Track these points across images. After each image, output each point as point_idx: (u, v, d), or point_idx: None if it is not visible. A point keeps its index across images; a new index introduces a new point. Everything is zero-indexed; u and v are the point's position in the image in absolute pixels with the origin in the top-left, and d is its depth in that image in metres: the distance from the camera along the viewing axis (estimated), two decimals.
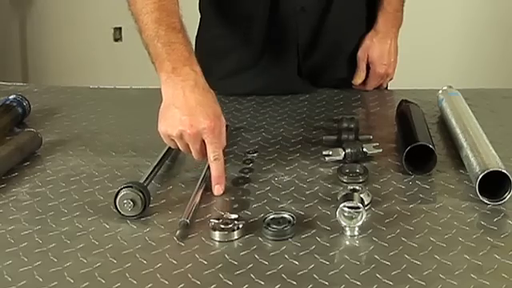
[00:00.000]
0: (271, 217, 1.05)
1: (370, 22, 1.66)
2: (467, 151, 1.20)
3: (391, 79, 1.71)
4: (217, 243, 1.01)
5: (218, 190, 1.16)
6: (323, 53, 1.63)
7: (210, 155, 1.17)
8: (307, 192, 1.16)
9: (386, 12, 1.64)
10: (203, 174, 1.19)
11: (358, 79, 1.67)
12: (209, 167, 1.19)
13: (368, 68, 1.67)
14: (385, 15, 1.64)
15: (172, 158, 1.29)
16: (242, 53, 1.62)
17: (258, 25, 1.59)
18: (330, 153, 1.26)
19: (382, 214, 1.08)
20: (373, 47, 1.65)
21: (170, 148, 1.29)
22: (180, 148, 1.21)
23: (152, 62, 1.26)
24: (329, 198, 1.13)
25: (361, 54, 1.66)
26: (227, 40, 1.60)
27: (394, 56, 1.67)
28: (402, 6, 1.65)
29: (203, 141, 1.18)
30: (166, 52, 1.22)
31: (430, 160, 1.21)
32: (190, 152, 1.20)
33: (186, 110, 1.17)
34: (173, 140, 1.20)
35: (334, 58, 1.66)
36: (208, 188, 1.17)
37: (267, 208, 1.11)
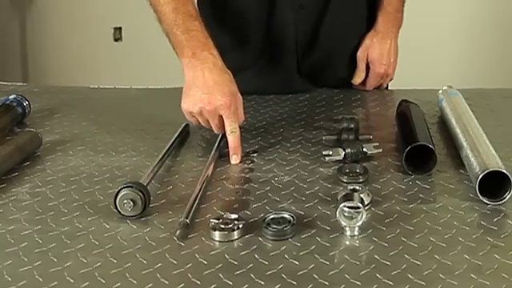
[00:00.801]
0: (271, 217, 1.05)
1: (370, 22, 1.66)
2: (467, 151, 1.20)
3: (391, 79, 1.71)
4: (217, 243, 1.01)
5: (235, 159, 1.28)
6: (322, 51, 1.63)
7: (228, 129, 1.30)
8: (307, 192, 1.16)
9: (386, 12, 1.64)
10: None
11: (358, 79, 1.67)
12: (222, 138, 1.32)
13: (368, 68, 1.67)
14: (385, 15, 1.64)
15: (172, 157, 1.29)
16: (241, 52, 1.62)
17: (256, 22, 1.59)
18: (330, 153, 1.26)
19: (382, 214, 1.08)
20: (373, 47, 1.65)
21: (170, 148, 1.29)
22: (201, 123, 1.34)
23: (173, 48, 1.37)
24: (329, 198, 1.13)
25: (360, 53, 1.66)
26: (225, 39, 1.60)
27: (393, 56, 1.67)
28: (403, 6, 1.65)
29: (221, 116, 1.30)
30: (186, 39, 1.34)
31: (430, 160, 1.21)
32: (211, 126, 1.33)
33: (205, 89, 1.30)
34: (194, 116, 1.33)
35: (333, 57, 1.66)
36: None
37: (267, 208, 1.11)
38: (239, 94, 1.33)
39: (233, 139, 1.29)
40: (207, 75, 1.32)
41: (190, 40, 1.34)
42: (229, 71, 1.34)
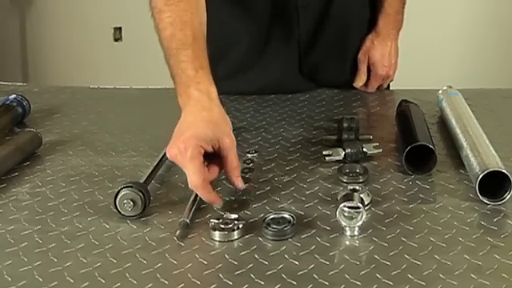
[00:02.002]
0: (271, 217, 1.05)
1: (371, 24, 1.67)
2: (467, 151, 1.20)
3: (391, 81, 1.72)
4: (217, 243, 1.01)
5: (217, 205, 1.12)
6: (324, 52, 1.63)
7: (190, 183, 1.09)
8: (307, 192, 1.16)
9: (387, 14, 1.64)
10: None
11: (359, 81, 1.67)
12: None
13: (369, 70, 1.67)
14: (385, 17, 1.64)
15: None
16: (243, 51, 1.62)
17: (258, 22, 1.59)
18: (330, 153, 1.26)
19: (382, 214, 1.08)
20: (373, 49, 1.65)
21: None
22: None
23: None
24: (329, 198, 1.13)
25: (361, 56, 1.66)
26: (228, 38, 1.60)
27: (394, 58, 1.67)
28: (403, 8, 1.65)
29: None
30: (176, 74, 1.21)
31: (430, 160, 1.21)
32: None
33: (173, 136, 1.14)
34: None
35: (335, 59, 1.66)
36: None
37: (267, 208, 1.11)
38: (201, 136, 1.10)
39: (202, 194, 1.09)
40: (183, 118, 1.16)
41: (180, 75, 1.20)
42: (215, 106, 1.17)
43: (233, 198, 1.15)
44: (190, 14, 1.25)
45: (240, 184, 1.13)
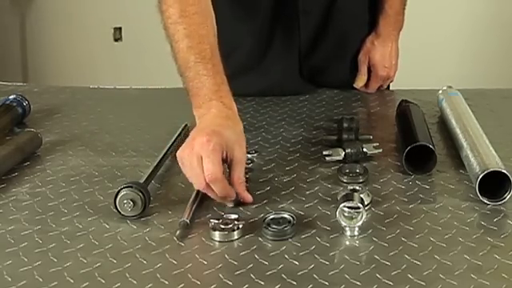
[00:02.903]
0: (271, 217, 1.05)
1: (371, 25, 1.67)
2: (467, 151, 1.20)
3: (391, 81, 1.72)
4: (217, 243, 1.01)
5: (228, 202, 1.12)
6: (324, 55, 1.64)
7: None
8: (307, 192, 1.16)
9: (387, 15, 1.64)
10: None
11: (360, 82, 1.67)
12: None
13: (369, 71, 1.67)
14: (386, 18, 1.64)
15: (172, 157, 1.29)
16: (244, 54, 1.62)
17: (259, 26, 1.59)
18: (330, 153, 1.26)
19: (381, 214, 1.08)
20: (374, 50, 1.65)
21: (170, 148, 1.29)
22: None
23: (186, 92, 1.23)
24: (329, 198, 1.13)
25: (362, 57, 1.66)
26: (229, 41, 1.60)
27: (395, 59, 1.67)
28: (404, 9, 1.65)
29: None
30: (195, 87, 1.20)
31: (430, 160, 1.21)
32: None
33: (193, 132, 1.14)
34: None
35: (335, 61, 1.66)
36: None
37: (267, 208, 1.11)
38: (203, 140, 1.09)
39: (219, 187, 1.08)
40: (208, 119, 1.16)
41: (201, 88, 1.19)
42: (238, 121, 1.18)
43: (233, 198, 1.14)
44: (206, 27, 1.26)
45: (247, 198, 1.12)
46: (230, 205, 1.11)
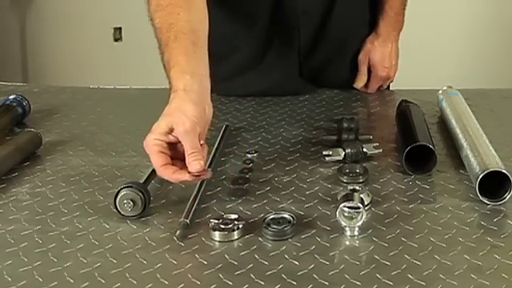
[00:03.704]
0: (271, 217, 1.05)
1: (371, 26, 1.67)
2: (467, 151, 1.20)
3: (391, 81, 1.72)
4: (217, 243, 1.01)
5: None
6: (324, 55, 1.64)
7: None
8: (307, 192, 1.16)
9: (388, 15, 1.64)
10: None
11: (360, 83, 1.67)
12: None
13: (369, 71, 1.67)
14: (386, 18, 1.65)
15: None
16: (244, 55, 1.62)
17: (259, 27, 1.59)
18: (330, 153, 1.26)
19: (381, 214, 1.08)
20: (374, 50, 1.66)
21: None
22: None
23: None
24: (329, 198, 1.13)
25: (362, 57, 1.66)
26: (228, 42, 1.60)
27: (395, 59, 1.67)
28: (404, 9, 1.66)
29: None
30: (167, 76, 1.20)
31: (430, 160, 1.21)
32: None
33: None
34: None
35: (335, 61, 1.66)
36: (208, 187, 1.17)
37: (267, 208, 1.11)
38: (163, 125, 1.11)
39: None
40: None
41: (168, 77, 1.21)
42: (176, 98, 1.16)
43: (233, 198, 1.15)
44: (177, 15, 1.24)
45: (194, 168, 1.07)
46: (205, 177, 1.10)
